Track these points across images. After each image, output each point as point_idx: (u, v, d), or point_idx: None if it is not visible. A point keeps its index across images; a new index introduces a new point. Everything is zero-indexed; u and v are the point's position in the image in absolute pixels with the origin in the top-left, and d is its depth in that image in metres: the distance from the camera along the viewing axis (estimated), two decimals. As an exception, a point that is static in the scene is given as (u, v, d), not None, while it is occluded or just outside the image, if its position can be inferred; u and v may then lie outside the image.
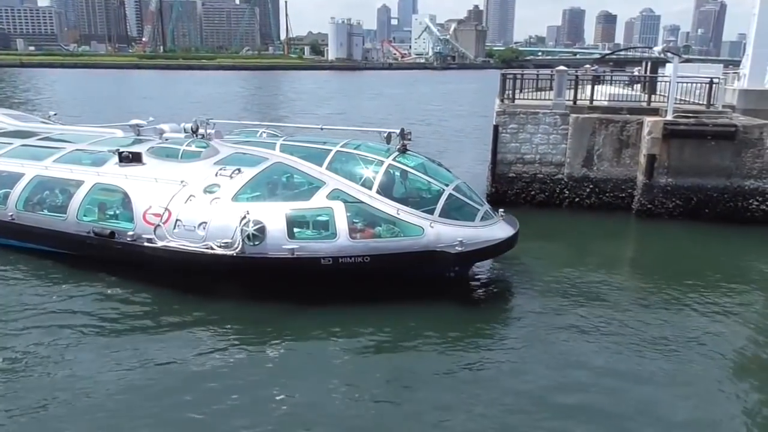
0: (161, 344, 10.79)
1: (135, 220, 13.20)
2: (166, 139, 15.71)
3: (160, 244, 12.67)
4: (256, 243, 12.05)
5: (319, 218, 12.68)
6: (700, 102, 20.63)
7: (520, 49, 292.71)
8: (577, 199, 20.02)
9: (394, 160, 13.66)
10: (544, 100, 21.50)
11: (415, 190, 13.74)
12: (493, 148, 20.63)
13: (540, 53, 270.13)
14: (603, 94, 21.95)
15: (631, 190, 19.94)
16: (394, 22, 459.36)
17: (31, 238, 14.59)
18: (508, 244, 13.09)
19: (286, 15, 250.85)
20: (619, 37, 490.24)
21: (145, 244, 12.80)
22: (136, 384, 9.54)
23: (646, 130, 19.15)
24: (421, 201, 13.23)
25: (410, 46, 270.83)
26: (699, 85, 20.99)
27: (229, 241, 12.14)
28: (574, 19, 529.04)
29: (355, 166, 13.75)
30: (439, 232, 12.42)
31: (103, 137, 16.98)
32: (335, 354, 10.73)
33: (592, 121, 20.06)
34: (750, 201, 18.84)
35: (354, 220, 12.38)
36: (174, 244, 12.56)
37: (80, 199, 14.07)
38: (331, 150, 13.96)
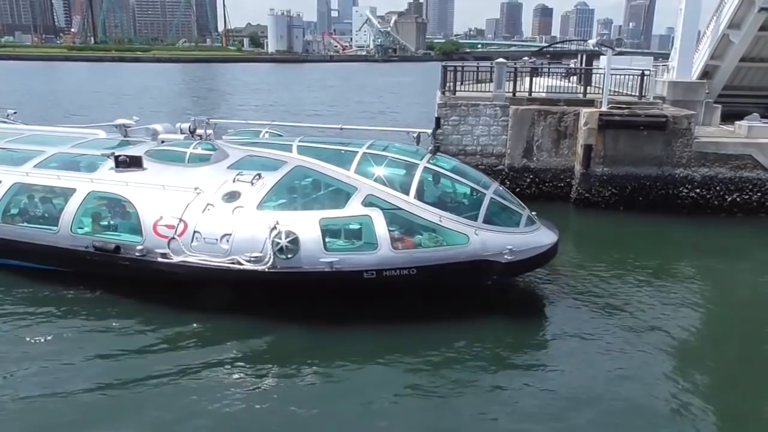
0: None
1: (143, 232, 11.73)
2: (162, 141, 14.25)
3: (176, 259, 11.30)
4: (290, 256, 10.88)
5: (357, 227, 11.61)
6: (633, 93, 21.33)
7: (460, 41, 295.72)
8: (518, 189, 20.34)
9: (428, 162, 12.70)
10: (485, 92, 21.77)
11: (454, 194, 12.95)
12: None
13: (480, 46, 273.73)
14: (541, 85, 22.37)
15: (570, 180, 20.45)
16: (334, 14, 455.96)
17: (13, 255, 12.88)
18: (554, 251, 12.32)
19: (224, 6, 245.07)
20: (556, 30, 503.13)
21: (159, 259, 11.43)
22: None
23: (582, 121, 19.65)
24: (462, 206, 12.41)
25: (351, 39, 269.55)
26: (631, 77, 21.71)
27: (259, 254, 10.95)
28: (512, 12, 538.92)
29: (387, 170, 12.63)
30: (484, 239, 11.51)
31: (85, 139, 15.32)
32: (375, 373, 10.00)
33: (531, 113, 20.45)
34: (680, 189, 19.61)
35: (392, 229, 11.34)
36: (194, 258, 11.22)
37: (74, 210, 12.39)
38: (357, 152, 12.82)
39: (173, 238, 11.44)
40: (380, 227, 11.19)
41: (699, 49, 25.32)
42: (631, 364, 10.31)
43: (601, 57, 23.92)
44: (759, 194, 19.49)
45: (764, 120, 21.10)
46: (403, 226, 11.57)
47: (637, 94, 21.01)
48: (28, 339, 10.66)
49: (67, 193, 12.81)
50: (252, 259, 10.95)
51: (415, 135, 13.91)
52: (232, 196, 11.77)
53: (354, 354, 10.41)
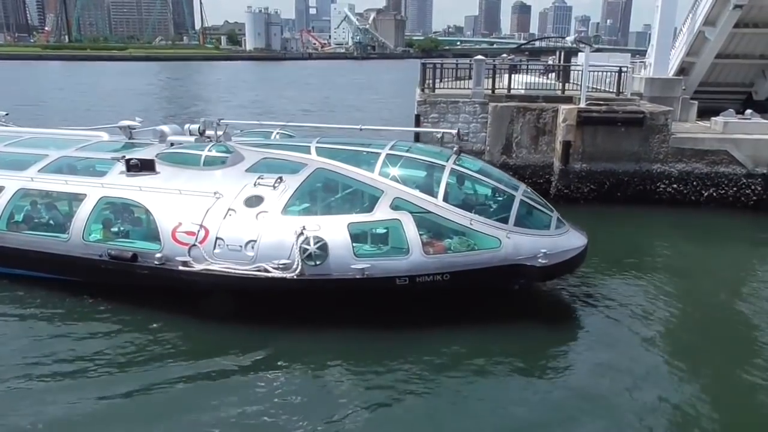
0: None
1: (162, 239, 11.15)
2: (171, 144, 13.66)
3: (198, 267, 10.78)
4: (318, 263, 10.48)
5: (386, 232, 11.26)
6: (611, 90, 21.46)
7: (439, 38, 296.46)
8: (498, 187, 20.41)
9: (455, 163, 12.27)
10: (464, 89, 21.78)
11: (483, 196, 12.59)
12: (415, 137, 20.66)
13: (459, 43, 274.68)
14: (520, 82, 22.44)
15: (549, 176, 20.52)
16: (312, 11, 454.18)
17: (19, 264, 12.25)
18: (585, 254, 11.95)
19: (201, 4, 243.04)
20: (534, 27, 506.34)
21: (180, 267, 10.88)
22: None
23: (561, 117, 19.72)
24: (491, 209, 12.07)
25: (330, 36, 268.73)
26: (609, 73, 21.84)
27: (287, 261, 10.52)
28: (491, 9, 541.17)
29: (412, 171, 12.29)
30: (516, 243, 11.10)
31: (88, 142, 14.62)
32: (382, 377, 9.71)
33: (510, 110, 20.46)
34: (657, 184, 19.79)
35: (421, 233, 10.92)
36: (217, 266, 10.71)
37: (85, 217, 11.79)
38: (379, 153, 12.32)
39: (194, 245, 10.91)
40: (411, 231, 10.80)
41: (675, 46, 25.60)
42: (621, 356, 10.40)
43: (579, 54, 24.01)
44: (734, 189, 19.74)
45: (739, 116, 21.37)
46: (433, 229, 11.19)
47: (615, 90, 21.15)
48: (30, 349, 10.31)
49: (76, 198, 12.27)
50: (280, 266, 10.50)
51: (439, 135, 13.47)
52: (254, 200, 11.26)
53: (362, 358, 10.15)
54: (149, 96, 62.57)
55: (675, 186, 19.77)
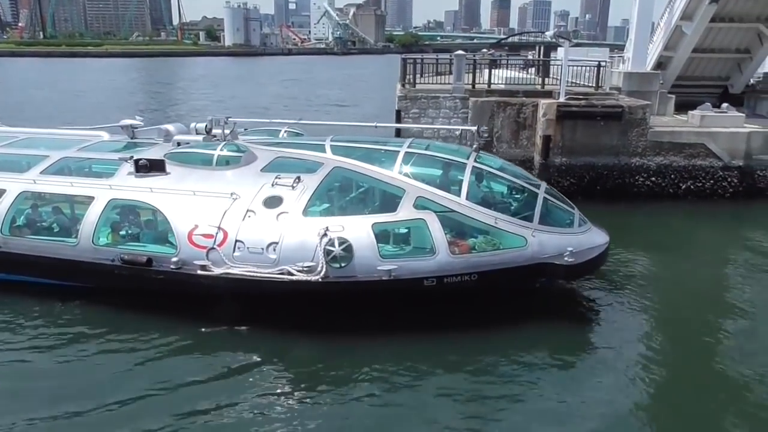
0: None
1: (177, 243, 10.75)
2: (178, 143, 13.21)
3: (218, 271, 10.39)
4: (343, 264, 10.16)
5: (410, 232, 11.06)
6: (590, 84, 21.62)
7: (420, 33, 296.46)
8: (479, 182, 20.47)
9: (475, 161, 12.05)
10: (444, 84, 21.79)
11: (505, 194, 12.39)
12: (397, 132, 20.65)
13: (439, 38, 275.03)
14: (500, 77, 22.52)
15: (529, 170, 20.46)
16: (292, 6, 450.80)
17: (23, 270, 11.74)
18: (607, 252, 11.86)
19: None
20: (514, 22, 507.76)
21: (198, 272, 10.47)
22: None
23: (541, 112, 19.81)
24: (514, 207, 11.85)
25: (310, 32, 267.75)
26: (588, 68, 22.00)
27: (311, 264, 10.17)
28: (471, 4, 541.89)
29: (433, 170, 12.06)
30: (541, 241, 10.96)
31: (89, 142, 14.02)
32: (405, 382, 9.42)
33: (491, 104, 20.52)
34: (636, 177, 19.98)
35: (445, 233, 10.67)
36: (238, 270, 10.35)
37: (94, 220, 11.30)
38: (398, 151, 12.02)
39: (212, 248, 10.53)
40: (436, 231, 10.55)
41: (653, 41, 25.82)
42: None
43: (559, 48, 24.11)
44: (711, 182, 20.01)
45: (716, 109, 21.65)
46: (456, 229, 10.96)
47: (594, 85, 21.30)
48: (33, 354, 10.07)
49: (83, 201, 11.79)
50: (305, 269, 10.14)
51: (458, 132, 13.19)
52: (273, 201, 10.90)
53: (375, 364, 9.85)
54: (130, 93, 61.80)
55: (653, 179, 19.98)
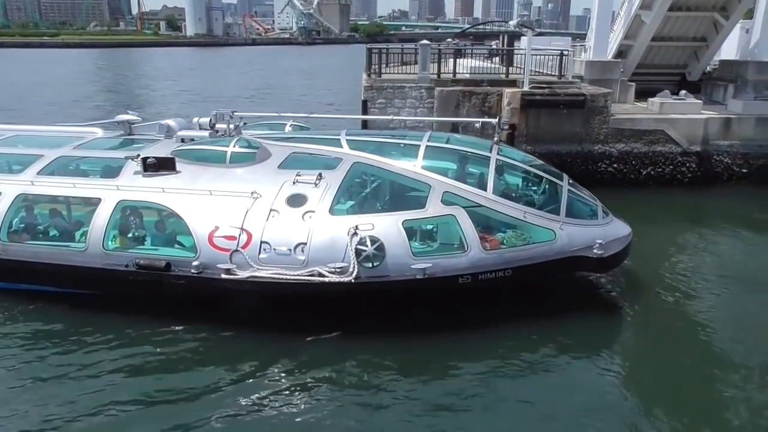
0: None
1: (197, 245, 10.23)
2: (182, 140, 12.59)
3: (244, 274, 9.93)
4: (376, 264, 9.80)
5: (440, 229, 10.72)
6: (553, 73, 21.90)
7: (385, 23, 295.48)
8: (446, 171, 20.60)
9: (499, 154, 11.77)
10: (410, 74, 21.82)
11: (530, 187, 12.17)
12: (363, 123, 20.62)
13: (403, 27, 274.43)
14: (465, 67, 22.64)
15: (495, 159, 20.80)
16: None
17: (26, 278, 11.14)
18: (631, 244, 11.72)
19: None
20: (478, 12, 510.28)
21: (222, 276, 9.98)
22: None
23: (505, 101, 20.02)
24: (540, 200, 11.64)
25: (273, 21, 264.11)
26: (551, 57, 22.28)
27: (343, 264, 9.81)
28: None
29: (457, 164, 11.77)
30: (570, 234, 10.83)
31: (83, 139, 13.22)
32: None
33: (456, 94, 20.64)
34: (599, 164, 20.37)
35: (475, 228, 10.40)
36: (266, 273, 9.90)
37: (103, 223, 10.65)
38: (418, 145, 11.65)
39: (236, 250, 10.06)
40: (467, 226, 10.28)
41: (614, 30, 26.24)
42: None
43: (522, 38, 24.38)
44: (671, 167, 20.53)
45: (674, 97, 22.18)
46: (484, 224, 10.67)
47: (557, 73, 21.58)
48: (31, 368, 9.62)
49: (89, 203, 11.14)
50: (337, 270, 9.78)
51: (478, 125, 13.03)
52: (297, 199, 10.47)
53: (378, 363, 9.69)
54: (89, 85, 60.21)
55: (615, 166, 20.39)
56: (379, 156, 11.60)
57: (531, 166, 12.39)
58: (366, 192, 11.79)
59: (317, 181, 10.68)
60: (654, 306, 11.94)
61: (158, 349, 10.01)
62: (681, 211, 18.88)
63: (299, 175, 10.86)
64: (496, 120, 12.46)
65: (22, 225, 11.44)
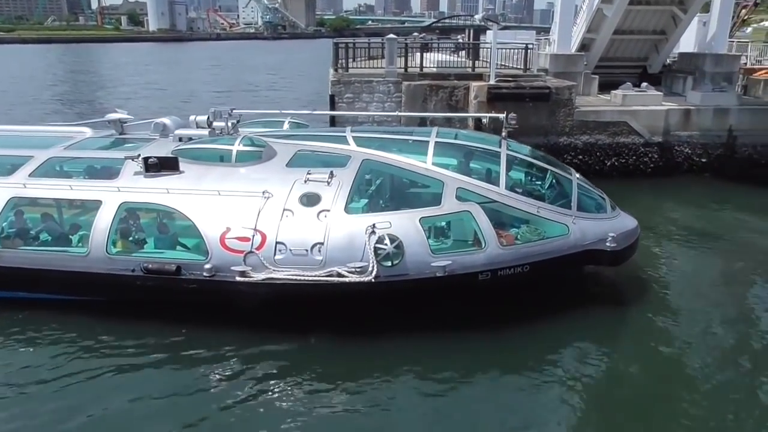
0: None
1: (208, 248, 9.92)
2: (180, 138, 12.27)
3: (259, 276, 9.67)
4: (395, 262, 9.68)
5: (454, 225, 10.66)
6: (518, 66, 22.18)
7: (351, 17, 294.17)
8: (414, 164, 20.67)
9: (508, 149, 11.80)
10: (377, 68, 21.86)
11: (540, 182, 12.18)
12: (331, 118, 20.59)
13: (370, 22, 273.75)
14: (432, 61, 22.78)
15: (463, 153, 20.99)
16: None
17: (23, 286, 10.64)
18: (639, 237, 11.89)
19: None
20: (444, 6, 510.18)
21: (237, 278, 9.69)
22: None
23: (472, 94, 20.19)
24: (551, 194, 11.66)
25: (238, 16, 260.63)
26: (516, 50, 22.54)
27: (362, 264, 9.64)
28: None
29: (468, 160, 11.70)
30: (582, 228, 10.90)
31: (73, 139, 12.72)
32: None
33: (423, 88, 20.73)
34: (564, 156, 20.65)
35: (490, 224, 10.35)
36: (282, 274, 9.65)
37: (105, 227, 10.23)
38: (427, 141, 11.59)
39: (250, 252, 9.80)
40: (483, 223, 10.23)
41: (577, 23, 26.65)
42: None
43: (488, 32, 24.56)
44: (634, 158, 21.00)
45: (636, 89, 22.65)
46: (498, 219, 10.64)
47: (522, 67, 21.85)
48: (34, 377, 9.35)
49: (88, 206, 10.78)
50: (356, 269, 9.61)
51: (485, 121, 12.95)
52: (311, 198, 10.28)
53: (382, 363, 9.61)
54: (48, 82, 58.67)
55: (581, 157, 20.76)
56: (388, 152, 11.51)
57: (539, 160, 12.44)
58: (378, 189, 11.65)
59: (330, 180, 10.49)
60: (636, 299, 11.99)
61: (159, 351, 9.88)
62: (644, 200, 19.29)
63: (310, 174, 10.65)
64: (505, 115, 12.54)
65: (17, 230, 10.95)
